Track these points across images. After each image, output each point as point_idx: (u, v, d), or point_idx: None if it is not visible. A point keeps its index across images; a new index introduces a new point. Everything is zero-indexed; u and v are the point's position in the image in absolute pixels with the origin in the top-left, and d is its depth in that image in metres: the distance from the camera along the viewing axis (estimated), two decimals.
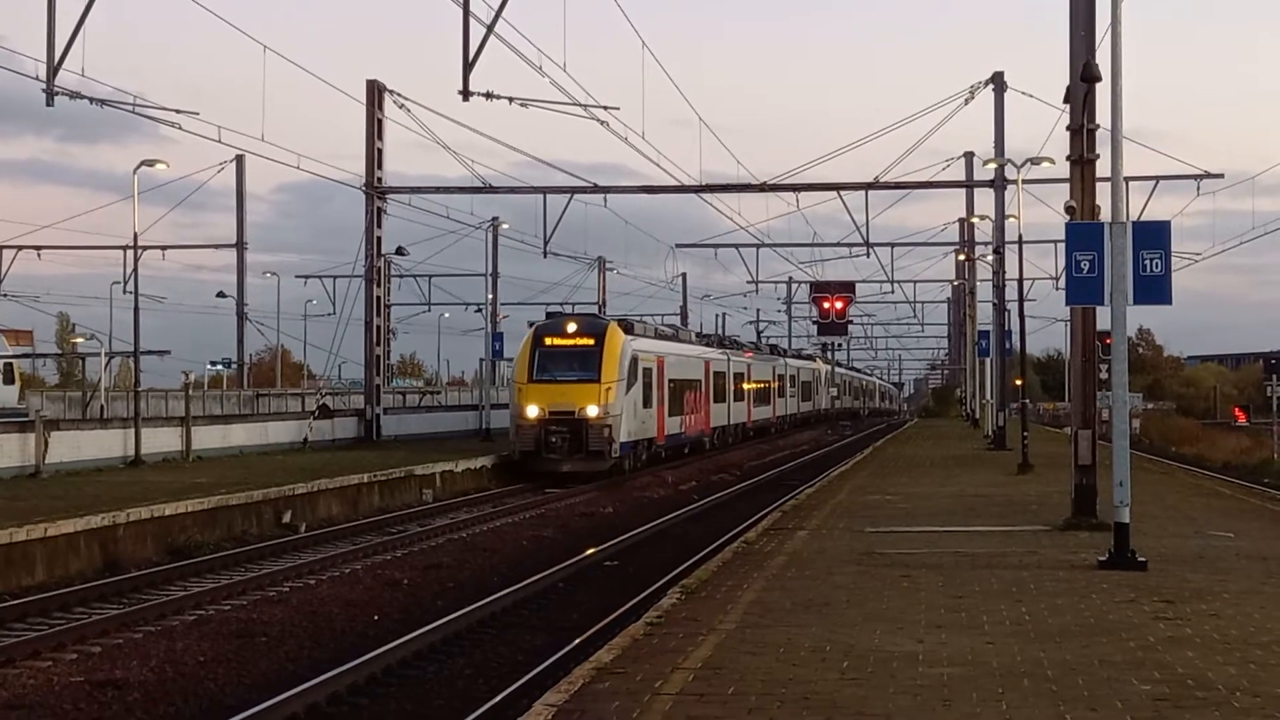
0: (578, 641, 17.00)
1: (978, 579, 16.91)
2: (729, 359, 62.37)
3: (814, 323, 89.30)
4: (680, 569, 22.15)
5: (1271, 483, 42.15)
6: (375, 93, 45.78)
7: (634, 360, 42.60)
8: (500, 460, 41.38)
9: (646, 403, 44.46)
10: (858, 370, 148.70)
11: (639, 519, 32.08)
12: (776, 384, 78.09)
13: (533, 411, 40.55)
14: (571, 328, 42.52)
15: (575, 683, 11.30)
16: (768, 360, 77.18)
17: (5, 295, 66.10)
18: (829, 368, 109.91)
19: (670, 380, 48.14)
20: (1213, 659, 11.94)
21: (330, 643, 17.49)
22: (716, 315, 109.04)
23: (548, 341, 42.10)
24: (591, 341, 41.69)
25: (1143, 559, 17.69)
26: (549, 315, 46.84)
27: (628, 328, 44.17)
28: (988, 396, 64.16)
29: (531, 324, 45.11)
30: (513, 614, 19.67)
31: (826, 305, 73.82)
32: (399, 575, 22.64)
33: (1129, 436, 18.74)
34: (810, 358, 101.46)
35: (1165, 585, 16.28)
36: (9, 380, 53.10)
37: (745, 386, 66.67)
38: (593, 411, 40.45)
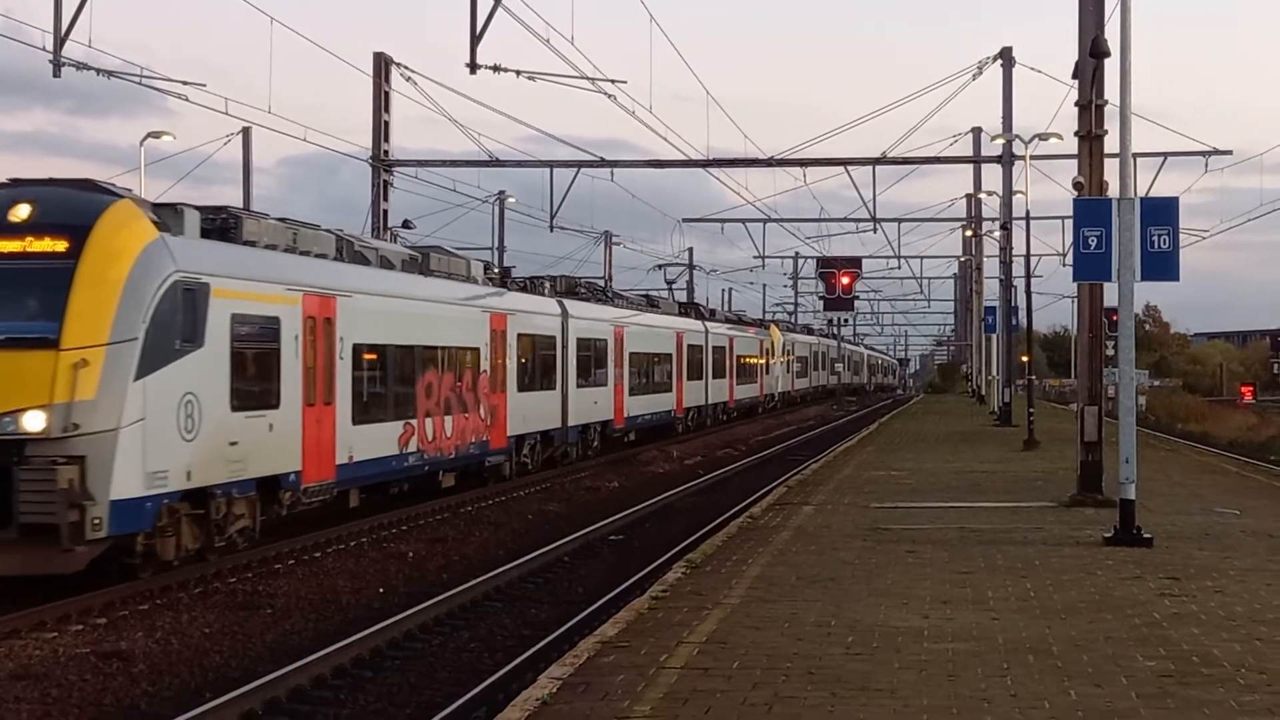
0: (583, 615, 17.02)
1: (983, 555, 16.92)
2: (565, 318, 37.17)
3: (820, 298, 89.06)
4: (685, 543, 22.16)
5: (1278, 460, 42.12)
6: (382, 65, 45.67)
7: (182, 294, 18.62)
8: None
9: (249, 397, 20.39)
10: (853, 344, 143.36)
11: (644, 493, 32.07)
12: (684, 358, 52.24)
13: None
14: (20, 211, 18.24)
15: (580, 656, 11.33)
16: (668, 322, 51.67)
17: None
18: (800, 339, 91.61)
19: (369, 348, 24.61)
20: (1218, 636, 11.95)
21: (335, 615, 17.51)
22: (722, 290, 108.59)
23: None
24: (61, 246, 18.08)
25: (1148, 535, 17.70)
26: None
27: (198, 224, 20.07)
28: (994, 373, 64.09)
29: None
30: (517, 587, 19.68)
31: (833, 280, 73.70)
32: (404, 548, 22.66)
33: (1135, 413, 18.73)
34: (762, 324, 78.50)
35: (1171, 562, 16.29)
36: None
37: (611, 364, 41.79)
38: (34, 421, 17.09)
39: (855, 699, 9.79)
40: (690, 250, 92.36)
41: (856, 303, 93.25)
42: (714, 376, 57.76)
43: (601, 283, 63.47)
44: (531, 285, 37.27)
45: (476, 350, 29.88)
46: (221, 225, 20.97)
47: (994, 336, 64.22)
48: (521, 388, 32.70)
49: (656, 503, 29.99)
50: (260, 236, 21.75)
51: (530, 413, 33.44)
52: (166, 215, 19.22)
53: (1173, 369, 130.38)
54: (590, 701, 9.85)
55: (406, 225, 53.92)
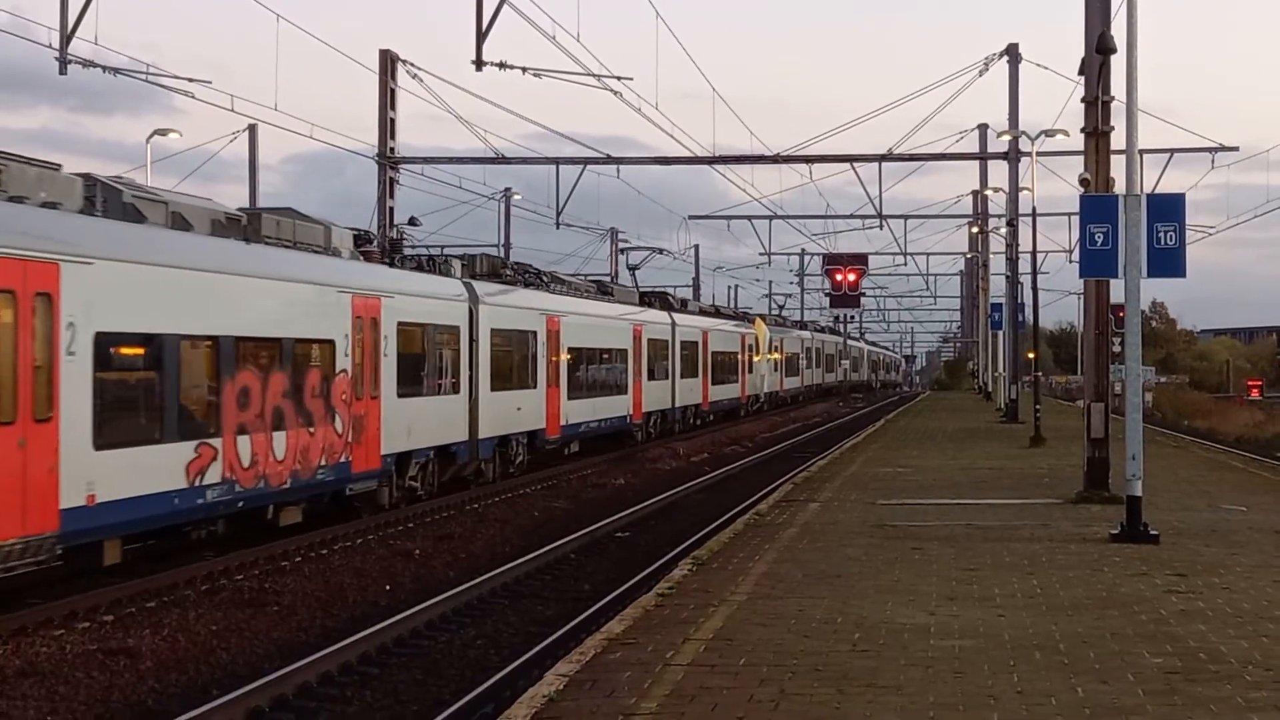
0: (589, 612, 17.02)
1: (990, 551, 16.92)
2: (474, 303, 29.56)
3: (827, 295, 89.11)
4: (692, 540, 22.16)
5: None
6: (388, 62, 45.72)
7: None
8: None
9: None
10: (855, 340, 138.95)
11: (651, 490, 32.08)
12: (643, 354, 44.51)
13: None
14: None
15: (587, 653, 11.32)
16: (622, 313, 44.11)
17: None
18: (792, 333, 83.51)
19: (129, 339, 17.57)
20: (1225, 632, 11.94)
21: (342, 612, 17.52)
22: (729, 287, 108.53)
23: None
24: None
25: (1155, 532, 17.69)
26: None
27: None
28: (1000, 369, 64.06)
29: None
30: (524, 584, 19.70)
31: (839, 277, 73.74)
32: (411, 545, 22.67)
33: (1142, 410, 18.72)
34: (744, 317, 70.88)
35: (1177, 558, 16.28)
36: None
37: (543, 361, 34.04)
38: None
39: (862, 695, 9.79)
40: (696, 247, 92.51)
41: (863, 299, 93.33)
42: (683, 376, 50.39)
43: (608, 279, 61.35)
44: (432, 264, 29.77)
45: (330, 343, 22.49)
46: None
47: (1000, 333, 64.22)
48: (405, 392, 25.33)
49: (663, 499, 29.99)
50: None
51: (419, 423, 25.99)
52: None
53: (1179, 365, 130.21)
54: (596, 698, 9.85)
55: (413, 222, 53.91)
